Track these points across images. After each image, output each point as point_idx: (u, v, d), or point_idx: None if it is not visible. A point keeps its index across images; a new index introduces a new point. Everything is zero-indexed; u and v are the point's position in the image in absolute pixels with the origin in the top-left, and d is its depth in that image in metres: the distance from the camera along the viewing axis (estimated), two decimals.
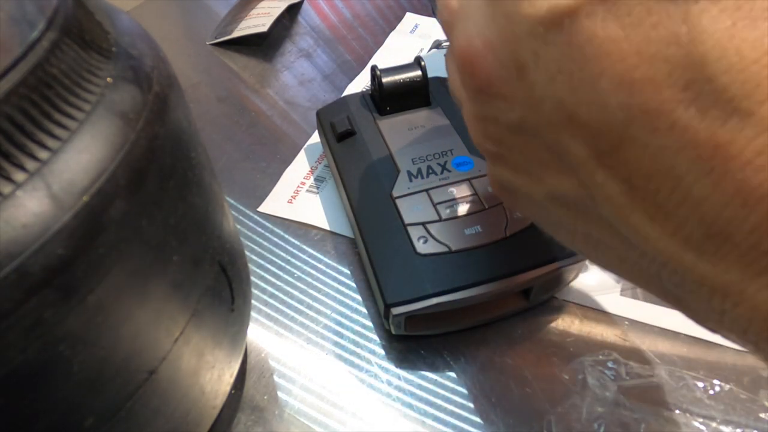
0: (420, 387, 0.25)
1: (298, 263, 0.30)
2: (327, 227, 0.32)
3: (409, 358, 0.26)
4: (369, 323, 0.28)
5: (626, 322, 0.27)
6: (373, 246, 0.26)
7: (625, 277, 0.17)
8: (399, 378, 0.25)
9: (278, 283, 0.30)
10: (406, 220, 0.27)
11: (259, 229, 0.32)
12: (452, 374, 0.25)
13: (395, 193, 0.28)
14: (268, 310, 0.28)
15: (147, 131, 0.14)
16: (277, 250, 0.31)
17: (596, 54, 0.13)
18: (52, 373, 0.12)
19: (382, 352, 0.26)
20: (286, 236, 0.32)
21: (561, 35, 0.13)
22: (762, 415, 0.23)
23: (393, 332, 0.26)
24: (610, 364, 0.24)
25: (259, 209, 0.33)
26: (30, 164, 0.11)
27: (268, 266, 0.30)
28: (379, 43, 0.47)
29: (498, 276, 0.25)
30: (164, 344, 0.15)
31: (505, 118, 0.17)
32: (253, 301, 0.28)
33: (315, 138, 0.38)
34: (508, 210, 0.27)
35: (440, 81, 0.35)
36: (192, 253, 0.16)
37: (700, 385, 0.24)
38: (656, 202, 0.13)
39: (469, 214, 0.27)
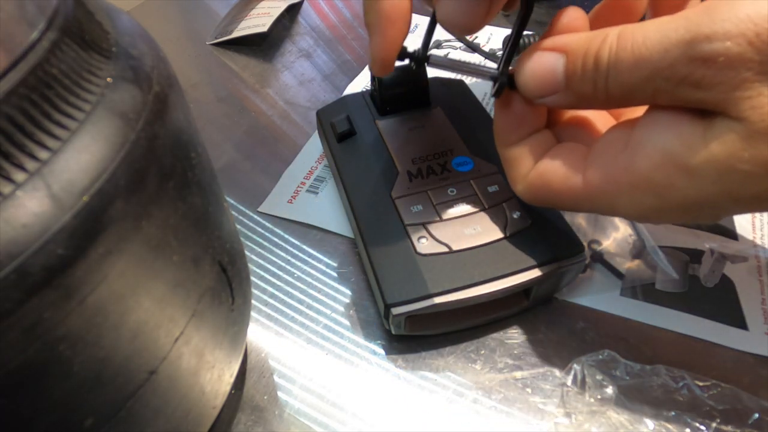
0: (420, 387, 0.25)
1: (298, 263, 0.30)
2: (327, 227, 0.32)
3: (409, 358, 0.26)
4: (369, 323, 0.28)
5: (626, 322, 0.27)
6: (373, 246, 0.26)
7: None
8: (399, 378, 0.25)
9: (278, 283, 0.30)
10: (406, 221, 0.27)
11: (259, 229, 0.32)
12: (452, 374, 0.25)
13: (395, 194, 0.28)
14: (268, 310, 0.28)
15: (147, 131, 0.14)
16: (277, 250, 0.31)
17: None
18: (52, 373, 0.12)
19: (382, 352, 0.26)
20: (286, 236, 0.32)
21: None
22: (762, 416, 0.23)
23: (393, 332, 0.26)
24: (610, 364, 0.24)
25: (259, 209, 0.33)
26: (30, 164, 0.11)
27: (268, 266, 0.30)
28: None
29: (498, 276, 0.25)
30: (164, 344, 0.15)
31: None
32: (253, 301, 0.28)
33: (315, 138, 0.38)
34: (508, 209, 0.27)
35: (440, 81, 0.35)
36: (192, 253, 0.16)
37: (700, 385, 0.24)
38: None
39: (469, 214, 0.27)
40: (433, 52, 0.46)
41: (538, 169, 0.22)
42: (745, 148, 0.16)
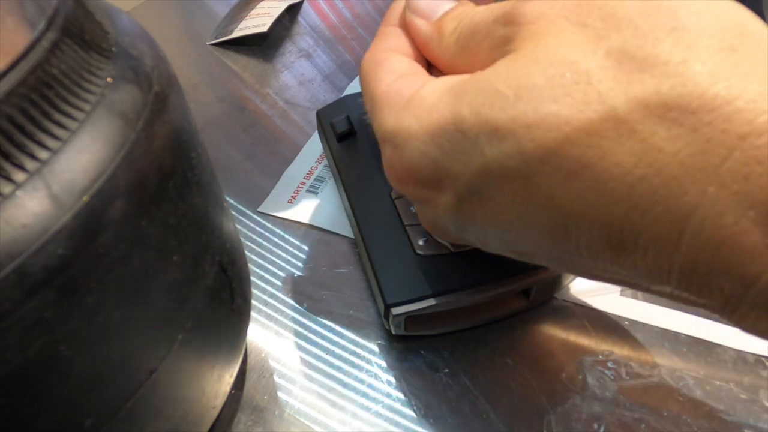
0: (420, 387, 0.25)
1: (298, 263, 0.30)
2: (327, 227, 0.32)
3: (409, 358, 0.26)
4: (369, 323, 0.28)
5: (626, 322, 0.27)
6: (373, 246, 0.26)
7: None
8: (399, 378, 0.25)
9: (278, 283, 0.30)
10: (406, 221, 0.27)
11: (259, 229, 0.32)
12: (452, 374, 0.25)
13: (395, 194, 0.28)
14: (268, 310, 0.28)
15: (147, 131, 0.14)
16: (277, 250, 0.31)
17: None
18: (52, 373, 0.12)
19: (382, 352, 0.26)
20: (286, 236, 0.32)
21: None
22: (762, 416, 0.23)
23: (393, 332, 0.26)
24: (610, 364, 0.24)
25: (259, 209, 0.33)
26: (30, 164, 0.11)
27: (268, 266, 0.30)
28: None
29: (498, 277, 0.25)
30: (164, 344, 0.15)
31: None
32: (253, 301, 0.28)
33: (315, 138, 0.38)
34: None
35: None
36: (192, 253, 0.16)
37: (700, 385, 0.24)
38: None
39: None
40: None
41: (390, 47, 0.22)
42: (509, 73, 0.16)
